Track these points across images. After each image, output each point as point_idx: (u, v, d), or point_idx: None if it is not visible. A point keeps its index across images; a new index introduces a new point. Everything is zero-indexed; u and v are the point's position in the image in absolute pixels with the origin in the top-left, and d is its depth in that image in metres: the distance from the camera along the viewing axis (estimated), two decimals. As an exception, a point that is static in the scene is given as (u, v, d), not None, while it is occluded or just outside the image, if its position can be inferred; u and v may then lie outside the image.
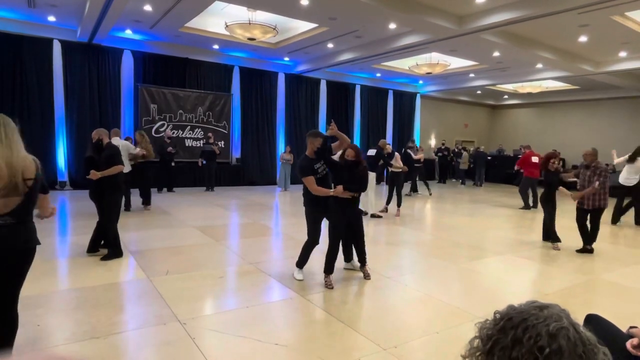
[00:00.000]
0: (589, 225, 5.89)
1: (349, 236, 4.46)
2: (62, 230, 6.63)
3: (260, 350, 2.80)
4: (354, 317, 3.52)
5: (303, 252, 4.42)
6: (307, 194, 4.35)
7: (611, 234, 7.54)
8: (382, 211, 8.69)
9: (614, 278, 4.78)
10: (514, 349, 0.77)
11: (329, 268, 4.23)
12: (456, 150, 17.32)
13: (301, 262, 4.42)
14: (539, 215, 9.17)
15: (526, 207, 10.04)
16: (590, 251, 5.85)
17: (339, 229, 4.27)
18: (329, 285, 4.14)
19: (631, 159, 8.15)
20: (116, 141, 7.83)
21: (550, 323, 0.77)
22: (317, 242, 4.41)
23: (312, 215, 4.41)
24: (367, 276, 4.44)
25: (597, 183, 5.62)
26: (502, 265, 5.14)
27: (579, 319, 0.83)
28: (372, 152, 8.58)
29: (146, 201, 8.39)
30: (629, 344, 1.36)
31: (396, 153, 9.33)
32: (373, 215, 8.27)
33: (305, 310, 3.59)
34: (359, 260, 4.53)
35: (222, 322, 3.26)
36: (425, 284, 4.43)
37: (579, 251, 5.86)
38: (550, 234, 6.14)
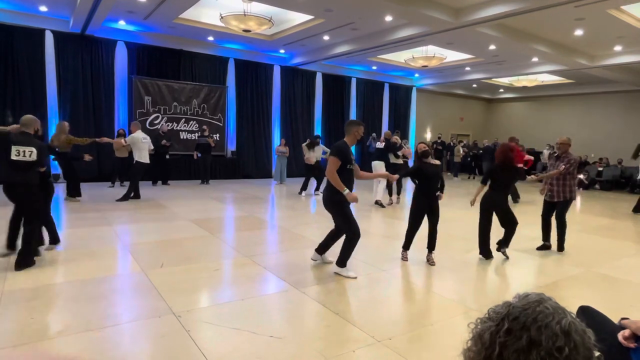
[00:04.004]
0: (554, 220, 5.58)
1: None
2: (56, 223, 6.58)
3: (256, 342, 2.81)
4: (349, 309, 3.53)
5: (348, 251, 4.20)
6: (334, 189, 4.08)
7: (604, 227, 7.61)
8: (388, 204, 9.01)
9: (606, 270, 4.82)
10: (531, 352, 0.72)
11: (406, 244, 4.89)
12: (452, 144, 17.37)
13: (345, 261, 4.23)
14: (532, 208, 9.23)
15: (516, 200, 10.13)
16: (549, 247, 5.60)
17: (419, 213, 4.75)
18: (404, 258, 4.86)
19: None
20: (139, 134, 8.60)
21: (561, 320, 0.74)
22: (359, 234, 4.17)
23: (342, 208, 4.14)
24: (432, 263, 4.77)
25: (562, 166, 5.28)
26: (496, 258, 5.17)
27: (572, 311, 0.83)
28: (380, 145, 9.08)
29: (75, 193, 8.16)
30: (620, 335, 1.37)
31: (404, 147, 9.77)
32: (377, 202, 8.80)
33: (300, 303, 3.60)
34: (428, 247, 4.83)
35: (217, 314, 3.26)
36: (420, 277, 4.46)
37: (540, 248, 5.60)
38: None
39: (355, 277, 4.19)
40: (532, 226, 6.65)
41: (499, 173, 4.99)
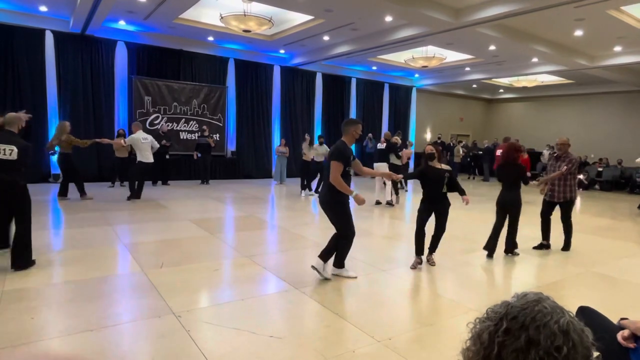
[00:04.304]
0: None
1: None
2: (56, 223, 6.59)
3: (255, 342, 2.81)
4: (349, 309, 3.54)
5: (345, 251, 4.16)
6: (334, 190, 3.97)
7: (604, 227, 7.61)
8: (388, 202, 9.13)
9: (605, 271, 4.82)
10: (529, 351, 0.72)
11: (418, 250, 4.69)
12: (451, 144, 17.37)
13: (343, 261, 4.20)
14: (532, 208, 9.23)
15: None
16: (547, 247, 5.61)
17: (424, 215, 4.66)
18: (413, 266, 4.60)
19: None
20: (139, 134, 8.66)
21: (559, 319, 0.74)
22: (355, 233, 4.14)
23: (344, 207, 4.06)
24: (432, 263, 4.74)
25: (564, 167, 5.33)
26: (496, 258, 5.17)
27: (571, 311, 0.83)
28: (381, 146, 9.22)
29: (81, 192, 8.37)
30: (619, 336, 1.37)
31: (404, 149, 9.93)
32: (387, 202, 9.00)
33: (300, 303, 3.60)
34: (430, 248, 4.77)
35: (217, 314, 3.26)
36: (420, 277, 4.45)
37: (537, 248, 5.63)
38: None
39: (355, 277, 4.19)
40: (532, 226, 6.65)
41: (501, 170, 5.15)
